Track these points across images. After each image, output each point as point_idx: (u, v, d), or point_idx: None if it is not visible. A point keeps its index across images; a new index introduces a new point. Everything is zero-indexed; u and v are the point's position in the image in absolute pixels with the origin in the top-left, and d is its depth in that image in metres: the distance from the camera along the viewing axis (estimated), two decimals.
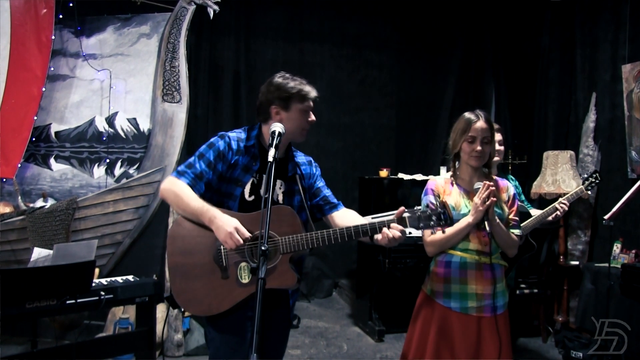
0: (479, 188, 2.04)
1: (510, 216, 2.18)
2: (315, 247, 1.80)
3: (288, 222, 1.82)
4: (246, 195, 1.90)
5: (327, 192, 2.10)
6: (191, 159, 1.91)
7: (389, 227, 1.78)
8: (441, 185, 2.19)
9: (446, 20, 5.77)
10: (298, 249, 1.79)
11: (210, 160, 1.89)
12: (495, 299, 2.09)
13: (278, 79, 1.93)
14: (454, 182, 2.20)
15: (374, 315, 4.31)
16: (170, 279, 1.86)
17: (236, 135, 1.95)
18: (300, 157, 2.09)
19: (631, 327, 3.17)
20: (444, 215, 1.80)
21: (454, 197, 2.14)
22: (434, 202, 2.14)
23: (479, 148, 2.10)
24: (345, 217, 2.03)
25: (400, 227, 1.78)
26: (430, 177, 2.30)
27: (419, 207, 1.85)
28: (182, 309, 1.84)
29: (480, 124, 2.10)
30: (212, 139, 1.94)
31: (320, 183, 2.10)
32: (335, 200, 2.09)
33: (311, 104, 1.93)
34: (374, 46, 5.83)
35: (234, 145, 1.92)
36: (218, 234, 1.76)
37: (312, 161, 2.13)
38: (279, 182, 1.95)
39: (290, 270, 1.79)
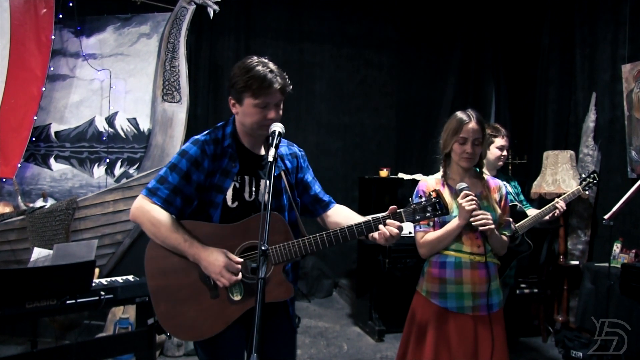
0: (463, 189, 2.03)
1: (504, 217, 2.20)
2: (308, 253, 1.69)
3: (278, 230, 1.68)
4: (229, 202, 1.72)
5: (317, 187, 1.94)
6: (162, 172, 1.71)
7: (384, 225, 1.68)
8: (432, 186, 2.18)
9: (446, 20, 5.76)
10: (290, 258, 1.67)
11: (184, 171, 1.68)
12: (490, 297, 2.10)
13: (237, 64, 1.71)
14: (445, 183, 2.19)
15: (374, 315, 4.31)
16: (154, 303, 1.69)
17: (210, 138, 1.74)
18: (283, 148, 1.87)
19: (631, 326, 3.17)
20: (439, 205, 1.74)
21: (446, 198, 2.14)
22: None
23: (469, 150, 2.10)
24: (339, 216, 1.91)
25: (397, 223, 1.68)
26: (422, 177, 2.28)
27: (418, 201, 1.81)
28: (170, 335, 1.76)
29: (472, 125, 2.10)
30: (184, 146, 1.74)
31: (309, 177, 1.93)
32: (326, 198, 1.95)
33: (270, 98, 1.66)
34: (374, 46, 5.84)
35: (208, 149, 1.71)
36: (208, 274, 1.63)
37: (297, 150, 1.94)
38: (262, 182, 1.77)
39: (285, 282, 1.68)
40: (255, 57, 1.71)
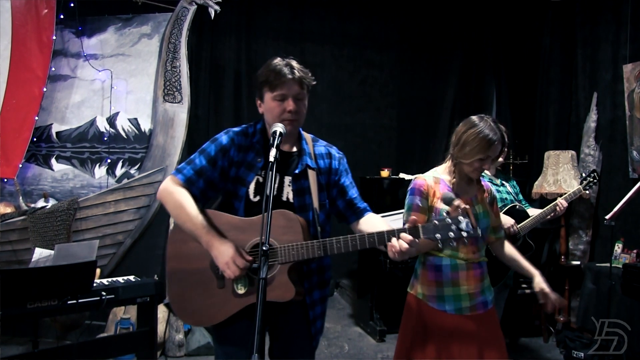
0: (450, 197, 1.77)
1: (497, 221, 2.22)
2: (317, 257, 1.66)
3: (290, 229, 1.66)
4: (251, 196, 1.75)
5: (354, 192, 1.89)
6: (193, 155, 1.79)
7: (398, 238, 1.58)
8: (431, 186, 2.06)
9: (447, 20, 5.77)
10: (298, 259, 1.64)
11: (211, 156, 1.75)
12: (484, 295, 2.09)
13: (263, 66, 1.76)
14: (453, 186, 2.09)
15: (375, 315, 4.30)
16: (167, 284, 1.76)
17: (242, 131, 1.80)
18: (320, 148, 1.90)
19: (632, 327, 3.17)
20: (467, 225, 1.54)
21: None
22: (420, 204, 2.02)
23: (486, 166, 2.05)
24: (366, 224, 1.85)
25: (410, 238, 1.56)
26: (418, 175, 2.14)
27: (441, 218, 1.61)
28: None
29: (499, 146, 2.01)
30: (216, 135, 1.81)
31: (346, 181, 1.89)
32: (361, 205, 1.90)
33: (286, 90, 1.69)
34: (375, 46, 5.83)
35: (237, 140, 1.77)
36: (217, 263, 1.65)
37: (335, 152, 1.93)
38: (287, 179, 1.77)
39: (289, 283, 1.65)
40: (274, 58, 1.75)
